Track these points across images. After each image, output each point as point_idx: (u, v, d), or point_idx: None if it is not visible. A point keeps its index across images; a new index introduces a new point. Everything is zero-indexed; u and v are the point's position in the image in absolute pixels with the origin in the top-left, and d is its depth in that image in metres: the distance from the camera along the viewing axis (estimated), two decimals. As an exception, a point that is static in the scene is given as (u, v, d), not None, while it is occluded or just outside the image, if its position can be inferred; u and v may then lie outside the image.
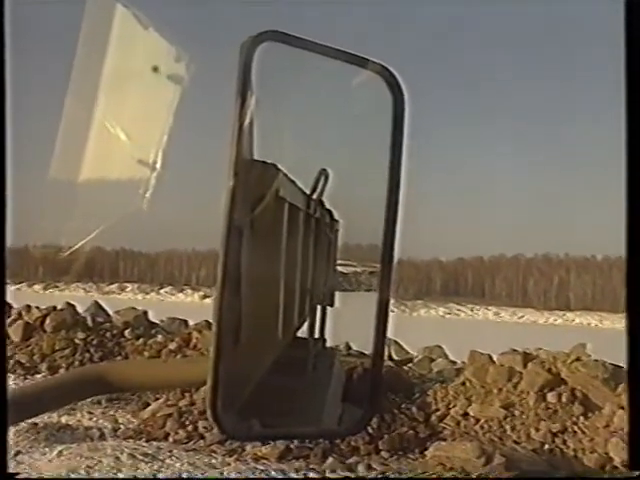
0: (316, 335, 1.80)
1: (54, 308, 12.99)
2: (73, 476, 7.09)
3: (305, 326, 1.73)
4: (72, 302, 13.43)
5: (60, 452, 7.82)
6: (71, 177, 1.15)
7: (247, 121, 0.90)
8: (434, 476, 7.64)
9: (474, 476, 7.65)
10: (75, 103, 1.04)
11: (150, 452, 7.98)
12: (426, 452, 8.51)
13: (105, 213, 1.13)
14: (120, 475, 7.19)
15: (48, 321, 12.51)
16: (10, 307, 12.44)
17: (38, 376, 11.29)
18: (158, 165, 1.09)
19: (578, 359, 10.04)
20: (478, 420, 9.68)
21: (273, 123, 1.18)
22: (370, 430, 8.91)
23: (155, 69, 1.05)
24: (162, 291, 66.46)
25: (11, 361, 11.29)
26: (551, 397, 9.75)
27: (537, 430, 9.32)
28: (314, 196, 1.58)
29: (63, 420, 9.18)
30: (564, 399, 9.60)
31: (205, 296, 59.59)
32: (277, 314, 1.31)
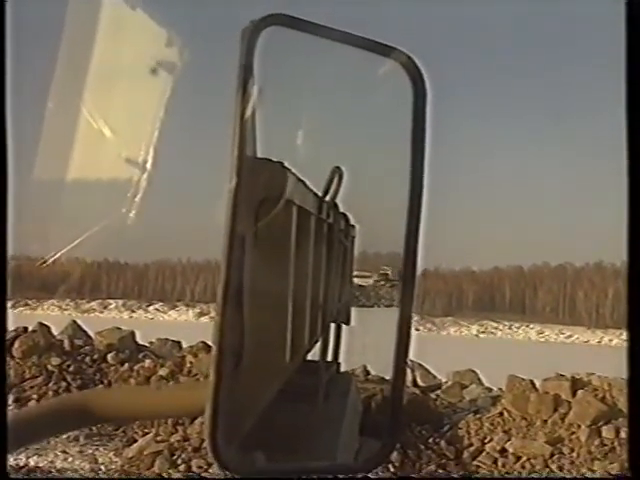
0: (329, 358, 1.80)
1: (24, 330, 12.98)
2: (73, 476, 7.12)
3: (317, 347, 1.74)
4: (46, 322, 13.45)
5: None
6: (49, 178, 1.17)
7: (250, 115, 0.92)
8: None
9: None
10: (58, 96, 1.06)
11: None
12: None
13: (87, 219, 1.15)
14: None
15: (17, 345, 12.49)
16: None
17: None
18: (149, 165, 1.11)
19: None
20: (519, 458, 9.62)
21: (279, 116, 1.20)
22: (392, 468, 8.90)
23: (154, 71, 1.08)
24: (151, 308, 66.60)
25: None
26: (607, 432, 9.66)
27: (591, 471, 9.25)
28: (327, 198, 1.60)
29: (32, 462, 9.17)
30: (623, 434, 9.49)
31: (201, 313, 59.70)
32: (284, 334, 1.32)
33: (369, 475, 7.65)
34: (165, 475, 9.01)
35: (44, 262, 1.18)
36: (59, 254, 1.16)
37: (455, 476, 8.90)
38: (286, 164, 1.17)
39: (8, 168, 1.10)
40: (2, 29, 1.08)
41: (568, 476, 8.95)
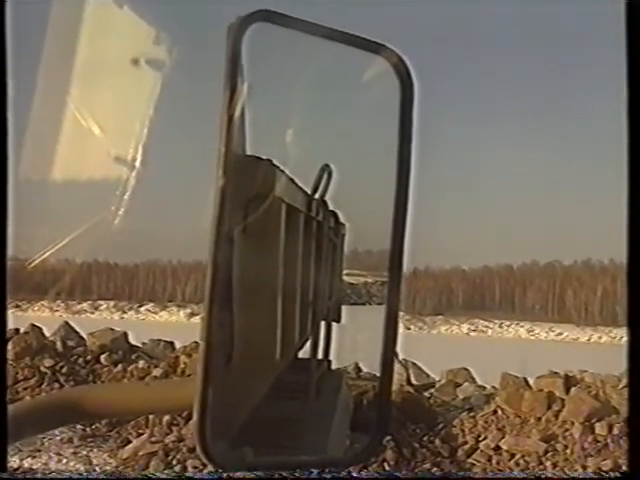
0: (320, 355, 1.81)
1: (16, 331, 12.93)
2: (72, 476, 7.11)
3: (307, 345, 1.74)
4: (38, 324, 13.39)
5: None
6: (37, 177, 1.17)
7: (238, 112, 0.92)
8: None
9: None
10: (43, 94, 1.06)
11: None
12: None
13: (76, 218, 1.14)
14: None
15: (9, 347, 12.45)
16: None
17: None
18: (138, 163, 1.11)
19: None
20: (513, 455, 9.64)
21: (268, 114, 1.20)
22: (387, 467, 8.91)
23: (135, 62, 1.07)
24: (142, 309, 66.46)
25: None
26: (600, 428, 9.68)
27: (584, 468, 9.26)
28: (316, 196, 1.60)
29: (26, 464, 9.14)
30: (616, 431, 9.51)
31: (192, 314, 59.61)
32: (275, 332, 1.32)
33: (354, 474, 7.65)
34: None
35: (31, 262, 1.18)
36: (47, 254, 1.16)
37: (453, 477, 8.91)
38: (275, 162, 1.17)
39: (7, 168, 1.10)
40: (2, 29, 1.08)
41: (565, 475, 8.97)
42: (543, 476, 9.03)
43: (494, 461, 9.60)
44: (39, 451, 9.51)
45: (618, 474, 8.40)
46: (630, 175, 1.39)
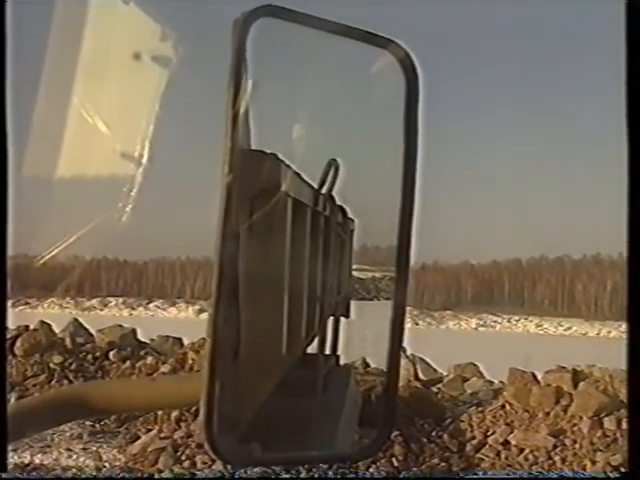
0: (328, 351, 1.81)
1: (26, 328, 12.99)
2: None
3: (315, 341, 1.74)
4: (47, 321, 13.45)
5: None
6: (44, 174, 1.17)
7: (243, 108, 0.92)
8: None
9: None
10: (49, 90, 1.06)
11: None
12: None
13: (84, 215, 1.14)
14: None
15: (19, 343, 12.51)
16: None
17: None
18: (144, 159, 1.11)
19: None
20: (522, 450, 9.63)
21: (274, 109, 1.20)
22: (395, 462, 8.91)
23: (137, 56, 1.07)
24: (151, 305, 66.67)
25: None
26: (609, 423, 9.66)
27: (593, 463, 9.24)
28: (323, 190, 1.59)
29: (36, 460, 9.18)
30: (625, 425, 9.48)
31: (201, 310, 59.75)
32: (282, 327, 1.32)
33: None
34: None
35: (40, 259, 1.18)
36: (56, 251, 1.16)
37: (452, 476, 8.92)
38: (280, 156, 1.17)
39: (8, 168, 1.10)
40: (2, 29, 1.08)
41: (565, 476, 8.97)
42: (545, 475, 9.02)
43: (503, 456, 9.59)
44: (49, 447, 9.55)
45: (618, 474, 8.40)
46: (630, 172, 1.39)
